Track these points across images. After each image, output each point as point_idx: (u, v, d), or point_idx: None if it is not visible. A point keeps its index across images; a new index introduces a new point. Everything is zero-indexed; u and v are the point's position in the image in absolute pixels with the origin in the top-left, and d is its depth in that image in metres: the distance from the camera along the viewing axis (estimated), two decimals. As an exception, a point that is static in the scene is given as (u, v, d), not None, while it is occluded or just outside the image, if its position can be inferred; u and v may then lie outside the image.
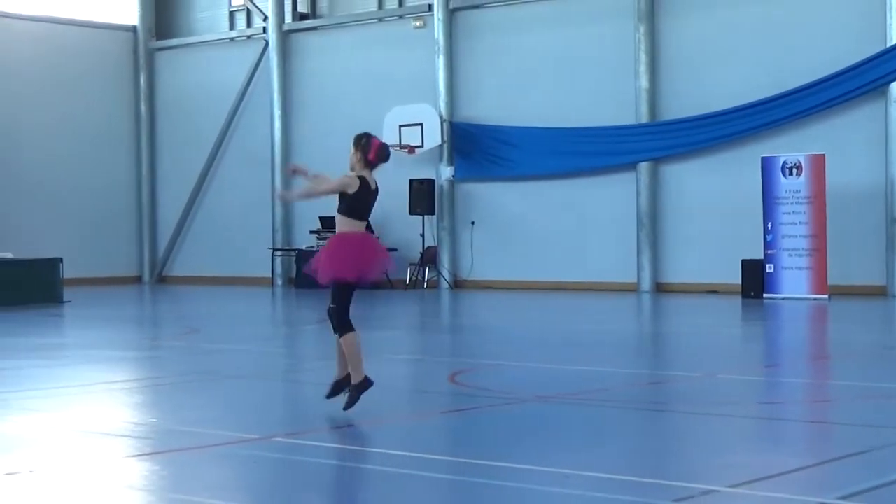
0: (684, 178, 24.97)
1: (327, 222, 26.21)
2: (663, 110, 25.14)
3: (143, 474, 7.59)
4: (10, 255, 24.19)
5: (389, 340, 16.54)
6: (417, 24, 28.56)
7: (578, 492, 6.79)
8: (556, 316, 20.60)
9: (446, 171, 27.59)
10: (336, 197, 9.67)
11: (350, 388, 9.47)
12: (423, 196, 27.35)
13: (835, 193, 22.20)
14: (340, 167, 9.91)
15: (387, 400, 10.08)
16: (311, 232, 28.53)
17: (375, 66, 28.92)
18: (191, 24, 32.93)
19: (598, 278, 25.80)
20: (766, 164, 22.55)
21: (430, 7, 28.03)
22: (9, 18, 30.72)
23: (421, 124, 27.14)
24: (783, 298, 21.94)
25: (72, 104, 31.69)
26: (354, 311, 9.56)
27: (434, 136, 27.18)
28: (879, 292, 22.54)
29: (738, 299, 22.35)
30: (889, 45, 22.36)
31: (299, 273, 28.10)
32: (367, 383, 9.46)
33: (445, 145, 27.51)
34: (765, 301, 21.91)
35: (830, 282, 22.03)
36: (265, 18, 30.74)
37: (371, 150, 9.63)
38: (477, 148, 27.27)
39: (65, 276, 23.98)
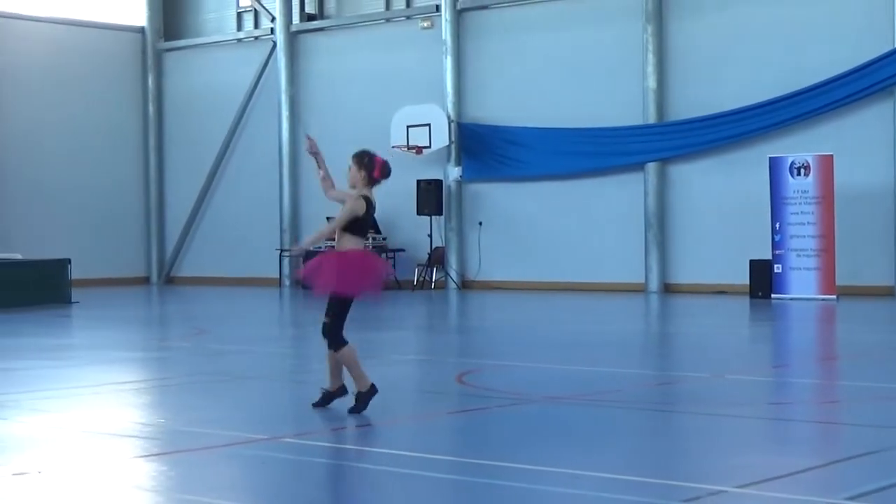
0: (692, 178, 24.95)
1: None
2: (671, 111, 25.12)
3: (151, 475, 7.60)
4: (18, 256, 24.23)
5: (397, 341, 16.55)
6: (425, 24, 28.56)
7: (587, 492, 6.78)
8: (564, 316, 20.59)
9: (454, 172, 27.58)
10: (334, 207, 9.69)
11: (357, 395, 9.52)
12: (430, 196, 27.35)
13: (843, 194, 22.17)
14: (347, 167, 9.87)
15: (394, 400, 10.08)
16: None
17: (383, 67, 28.92)
18: (198, 25, 32.96)
19: (606, 279, 25.79)
20: (774, 165, 22.52)
21: (438, 8, 28.03)
22: (17, 20, 30.76)
23: (428, 125, 27.13)
24: (791, 299, 21.91)
25: (80, 105, 31.73)
26: (360, 313, 9.58)
27: (442, 137, 27.17)
28: (888, 293, 22.50)
29: (746, 300, 22.32)
30: (897, 45, 22.37)
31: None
32: (373, 390, 9.49)
33: (453, 146, 27.51)
34: (773, 301, 21.88)
35: (838, 282, 21.99)
36: (273, 19, 30.75)
37: (376, 169, 9.63)
38: (484, 148, 27.27)
39: (73, 277, 24.01)
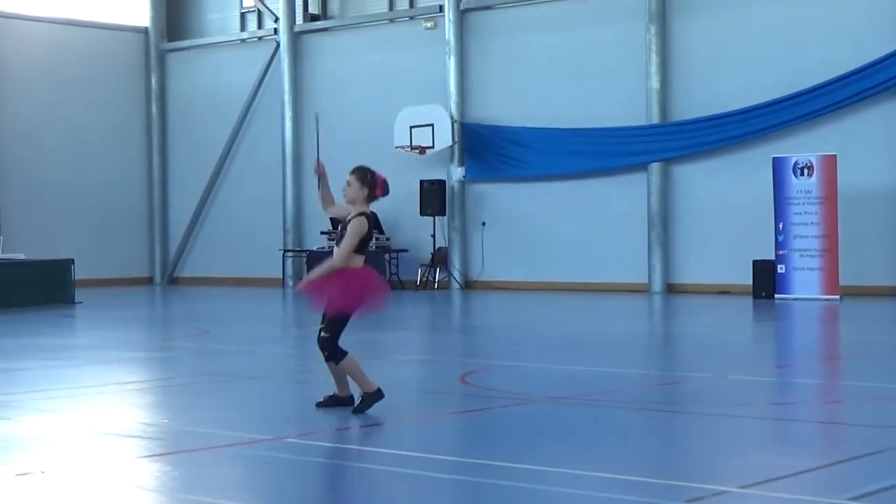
0: (695, 178, 24.94)
1: (337, 223, 26.20)
2: (674, 111, 25.11)
3: (155, 475, 7.60)
4: (21, 256, 24.24)
5: (400, 341, 16.55)
6: (428, 24, 28.56)
7: (589, 492, 6.78)
8: (567, 316, 20.59)
9: (457, 172, 27.59)
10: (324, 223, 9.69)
11: (363, 395, 9.53)
12: (433, 197, 27.35)
13: (846, 194, 22.16)
14: (350, 168, 9.84)
15: (397, 401, 10.07)
16: (322, 233, 28.55)
17: (386, 67, 28.93)
18: (202, 26, 32.97)
19: (609, 279, 25.78)
20: (778, 165, 22.52)
21: (441, 8, 28.03)
22: (20, 20, 30.78)
23: (432, 125, 27.14)
24: (794, 299, 21.91)
25: (83, 105, 31.75)
26: (366, 316, 9.63)
27: (445, 137, 27.17)
28: (891, 293, 22.48)
29: (749, 300, 22.32)
30: (901, 45, 22.36)
31: (311, 268, 28.11)
32: (380, 394, 9.50)
33: (456, 146, 27.51)
34: (776, 302, 21.88)
35: (842, 282, 21.98)
36: (276, 20, 30.77)
37: (378, 188, 9.61)
38: (488, 149, 27.27)
39: (76, 277, 24.02)
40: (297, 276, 29.83)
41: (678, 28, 25.06)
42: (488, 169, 27.31)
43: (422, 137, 27.17)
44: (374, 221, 9.70)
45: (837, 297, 21.77)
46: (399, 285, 27.19)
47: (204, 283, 31.85)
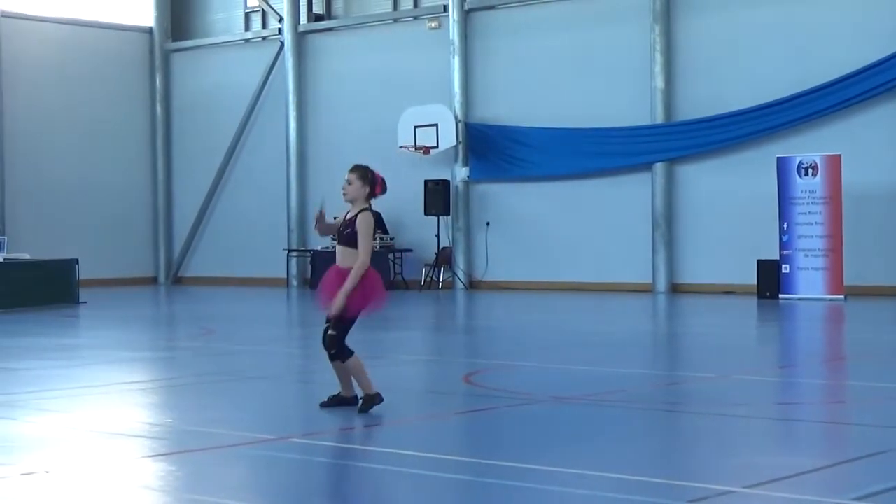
0: (699, 178, 24.93)
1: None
2: (678, 111, 25.10)
3: (159, 475, 7.61)
4: (26, 256, 24.27)
5: (404, 341, 16.56)
6: (432, 24, 28.56)
7: (594, 492, 6.78)
8: (571, 316, 20.59)
9: (461, 172, 27.59)
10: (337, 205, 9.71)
11: (365, 397, 9.54)
12: (438, 197, 27.35)
13: (851, 193, 22.15)
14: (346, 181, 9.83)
15: (402, 401, 10.08)
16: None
17: (390, 67, 28.93)
18: (206, 26, 32.99)
19: (614, 279, 25.78)
20: (782, 165, 22.51)
21: (446, 8, 28.04)
22: (25, 20, 30.81)
23: (436, 125, 27.14)
24: (799, 299, 21.89)
25: (88, 105, 31.77)
26: (369, 315, 9.64)
27: (449, 137, 27.18)
28: (896, 293, 22.50)
29: (753, 300, 22.31)
30: (905, 44, 22.35)
31: (314, 274, 28.15)
32: (378, 398, 9.51)
33: (460, 146, 27.51)
34: (780, 301, 21.87)
35: (846, 282, 21.97)
36: (280, 20, 30.77)
37: (378, 186, 9.64)
38: (492, 149, 27.27)
39: (81, 277, 24.04)
40: (302, 277, 29.90)
41: (682, 28, 25.05)
42: (492, 169, 27.31)
43: (426, 137, 27.17)
44: (377, 221, 9.72)
45: (842, 297, 21.75)
46: (403, 285, 27.20)
47: (208, 283, 31.87)
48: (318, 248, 28.56)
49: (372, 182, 9.63)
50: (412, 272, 27.92)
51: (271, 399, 11.09)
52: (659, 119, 25.12)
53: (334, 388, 9.89)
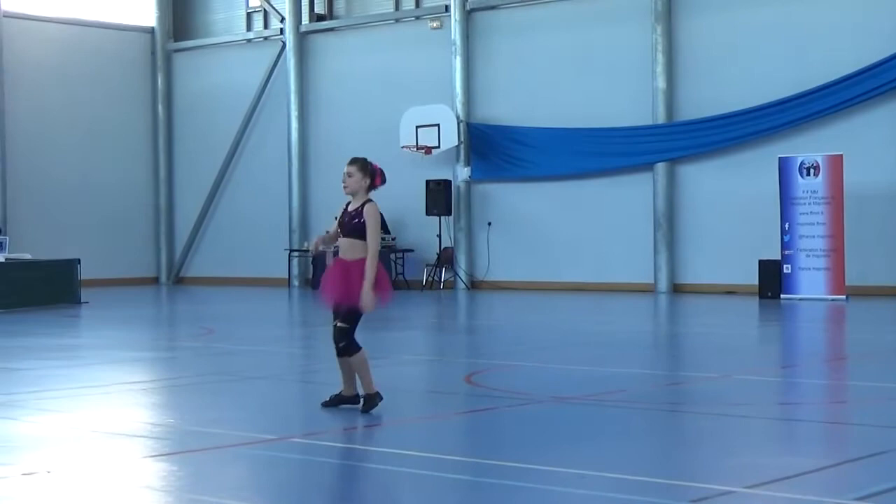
0: (701, 178, 24.93)
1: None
2: (680, 111, 25.10)
3: (161, 475, 7.61)
4: (28, 256, 24.28)
5: (406, 341, 16.56)
6: (434, 24, 28.57)
7: (595, 492, 6.78)
8: (573, 316, 20.58)
9: (463, 172, 27.60)
10: (337, 205, 9.71)
11: (366, 396, 9.55)
12: (439, 197, 27.35)
13: (852, 194, 22.14)
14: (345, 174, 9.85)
15: (403, 401, 10.08)
16: (328, 233, 28.50)
17: (392, 67, 28.95)
18: (208, 26, 33.00)
19: (615, 279, 25.78)
20: (784, 165, 22.50)
21: (447, 8, 28.04)
22: (27, 20, 30.83)
23: (437, 125, 27.15)
24: (800, 299, 21.89)
25: (89, 105, 31.80)
26: (369, 314, 9.62)
27: (451, 137, 27.18)
28: (897, 293, 22.49)
29: (755, 300, 22.31)
30: (907, 44, 22.34)
31: (315, 274, 28.15)
32: (379, 397, 9.51)
33: (462, 146, 27.52)
34: (782, 302, 21.86)
35: (848, 282, 21.96)
36: (282, 20, 30.78)
37: (377, 177, 9.68)
38: (493, 149, 27.27)
39: (82, 277, 24.06)
40: (303, 277, 29.89)
41: (684, 28, 25.05)
42: (494, 169, 27.31)
43: (428, 137, 27.18)
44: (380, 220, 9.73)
45: (843, 297, 21.74)
46: (405, 285, 27.20)
47: (210, 283, 31.88)
48: (320, 248, 28.50)
49: (372, 173, 9.68)
50: (414, 272, 27.93)
51: (272, 399, 11.09)
52: (660, 119, 25.12)
53: (335, 387, 9.89)
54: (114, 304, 24.49)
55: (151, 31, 33.15)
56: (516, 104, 27.12)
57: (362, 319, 9.63)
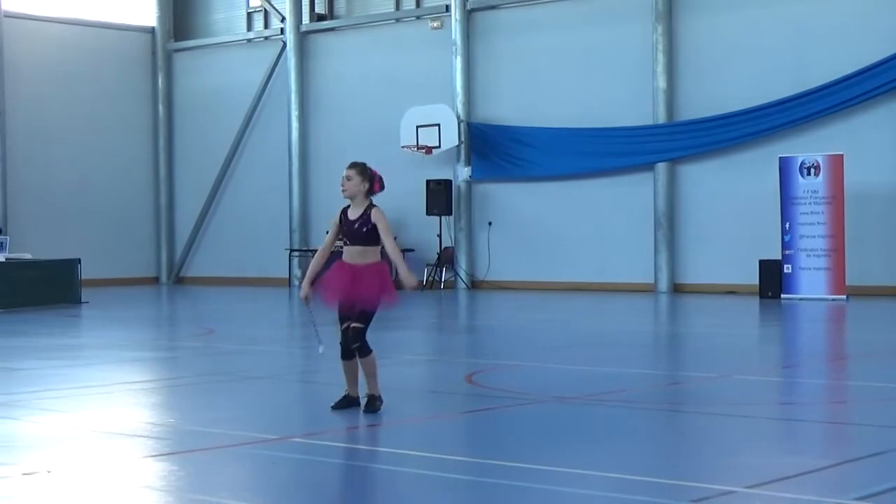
0: (702, 178, 24.93)
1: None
2: (681, 111, 25.10)
3: (161, 474, 7.61)
4: (28, 256, 24.29)
5: (406, 341, 16.55)
6: (435, 24, 28.57)
7: (596, 492, 6.78)
8: (573, 316, 20.58)
9: (463, 172, 27.60)
10: (338, 205, 9.75)
11: (370, 396, 9.55)
12: (440, 197, 27.36)
13: (853, 193, 22.14)
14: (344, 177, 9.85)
15: (403, 400, 10.08)
16: (328, 233, 28.51)
17: (393, 67, 28.95)
18: (208, 26, 33.00)
19: (616, 279, 25.78)
20: (784, 165, 22.50)
21: (448, 8, 28.04)
22: (28, 20, 30.83)
23: (438, 125, 27.15)
24: (801, 299, 21.88)
25: (90, 105, 31.80)
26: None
27: (451, 137, 27.18)
28: (898, 293, 22.48)
29: (755, 300, 22.30)
30: (907, 44, 22.33)
31: (318, 274, 28.11)
32: (380, 401, 9.54)
33: (462, 146, 27.52)
34: (782, 302, 21.86)
35: (849, 282, 21.96)
36: (283, 19, 30.79)
37: (377, 183, 9.70)
38: (494, 148, 27.27)
39: (83, 277, 24.06)
40: (304, 277, 29.85)
41: (685, 28, 25.05)
42: (494, 169, 27.31)
43: (428, 137, 27.17)
44: None
45: (844, 297, 21.74)
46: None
47: (210, 283, 31.88)
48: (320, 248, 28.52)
49: (371, 178, 9.68)
50: (414, 272, 27.80)
51: (272, 399, 11.09)
52: (661, 119, 25.12)
53: (335, 387, 9.89)
54: (114, 303, 24.49)
55: (152, 30, 33.16)
56: (517, 104, 27.12)
57: (346, 322, 9.63)
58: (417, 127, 27.28)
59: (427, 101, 27.56)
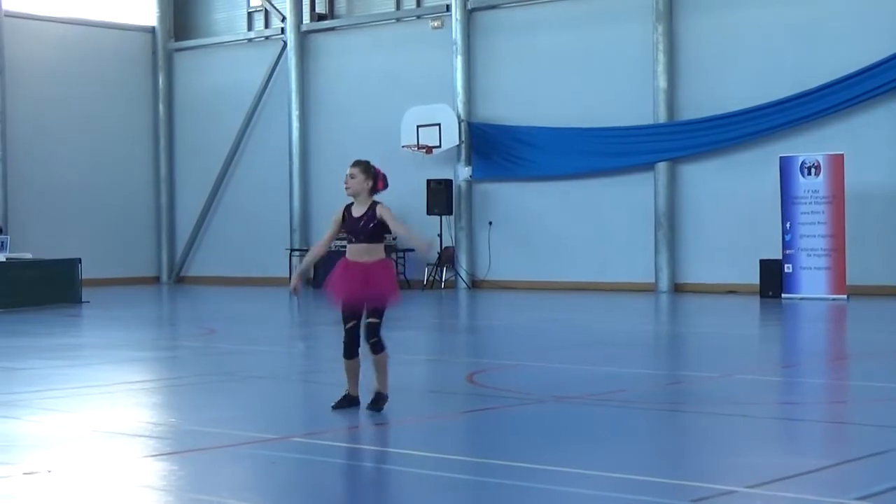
0: (702, 178, 24.92)
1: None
2: (681, 110, 25.09)
3: (161, 474, 7.61)
4: (29, 256, 24.28)
5: (407, 341, 16.53)
6: (435, 24, 28.57)
7: (597, 492, 6.78)
8: (574, 316, 20.58)
9: (464, 172, 27.59)
10: (337, 203, 9.80)
11: (379, 394, 9.56)
12: (440, 196, 27.36)
13: (854, 193, 22.13)
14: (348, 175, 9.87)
15: (404, 400, 10.08)
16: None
17: (393, 67, 28.94)
18: (209, 25, 33.00)
19: (616, 278, 25.77)
20: (785, 164, 22.49)
21: (448, 7, 28.04)
22: (28, 20, 30.83)
23: (438, 124, 27.14)
24: (801, 299, 21.88)
25: (91, 105, 31.80)
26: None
27: (452, 137, 27.18)
28: (899, 292, 22.48)
29: (756, 299, 22.30)
30: (908, 44, 22.33)
31: (317, 274, 28.13)
32: (386, 399, 9.55)
33: (463, 145, 27.51)
34: (783, 301, 21.85)
35: (849, 282, 21.95)
36: (283, 19, 30.78)
37: (380, 180, 9.73)
38: (494, 148, 27.27)
39: (83, 277, 24.06)
40: (304, 277, 29.86)
41: (685, 27, 25.04)
42: (495, 168, 27.31)
43: (429, 137, 27.17)
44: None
45: (844, 296, 21.73)
46: (406, 285, 27.18)
47: (210, 283, 31.88)
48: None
49: (374, 176, 9.71)
50: (415, 272, 27.92)
51: (273, 399, 11.09)
52: (661, 118, 25.11)
53: (336, 387, 9.89)
54: (115, 303, 24.49)
55: (152, 30, 33.15)
56: (517, 103, 27.11)
57: (351, 321, 9.65)
58: (418, 126, 27.28)
59: (427, 101, 27.55)
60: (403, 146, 27.21)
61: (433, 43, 28.41)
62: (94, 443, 8.63)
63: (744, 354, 14.41)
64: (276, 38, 31.29)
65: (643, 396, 10.67)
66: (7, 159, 30.01)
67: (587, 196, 26.27)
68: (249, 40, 32.23)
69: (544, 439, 8.60)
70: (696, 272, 24.97)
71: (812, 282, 22.11)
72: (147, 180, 33.16)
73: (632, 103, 25.45)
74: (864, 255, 22.50)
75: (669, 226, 25.04)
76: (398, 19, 29.38)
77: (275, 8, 31.04)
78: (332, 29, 30.53)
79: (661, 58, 25.00)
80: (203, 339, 16.86)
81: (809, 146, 23.07)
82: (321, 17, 30.82)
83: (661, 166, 25.11)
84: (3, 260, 23.10)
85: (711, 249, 24.74)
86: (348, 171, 9.71)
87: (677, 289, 24.99)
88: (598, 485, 6.97)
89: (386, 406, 9.56)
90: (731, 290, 24.11)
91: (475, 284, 27.61)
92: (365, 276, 9.52)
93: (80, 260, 23.93)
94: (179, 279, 33.04)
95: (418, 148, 27.16)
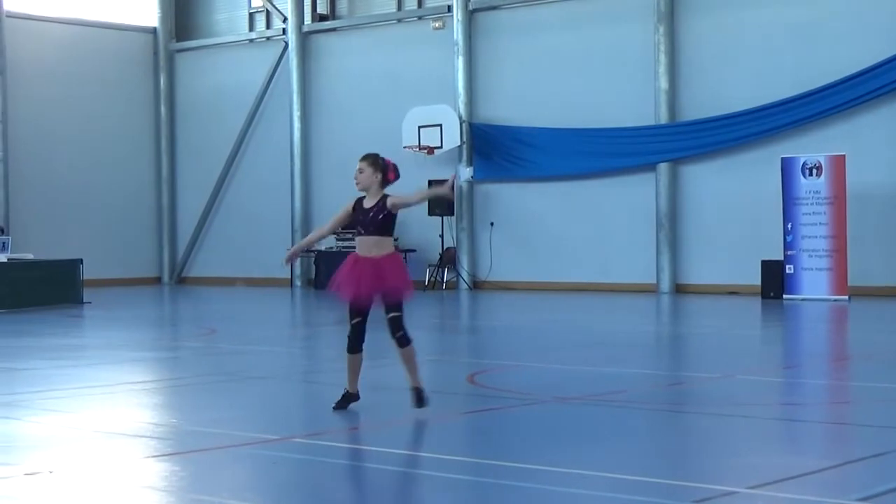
0: (704, 178, 24.92)
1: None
2: (682, 111, 25.09)
3: (163, 475, 7.61)
4: (30, 256, 24.29)
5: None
6: (436, 25, 28.57)
7: (598, 493, 6.78)
8: (575, 317, 20.58)
9: (465, 172, 27.58)
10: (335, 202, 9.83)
11: (417, 392, 9.52)
12: (442, 197, 27.29)
13: (855, 194, 22.12)
14: (357, 170, 9.89)
15: (405, 401, 10.07)
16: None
17: (394, 68, 28.94)
18: (210, 26, 33.01)
19: (617, 279, 25.77)
20: (786, 165, 22.49)
21: (450, 8, 28.04)
22: (30, 20, 30.83)
23: (440, 125, 27.14)
24: (803, 299, 21.87)
25: (92, 105, 31.80)
26: (372, 313, 9.67)
27: (453, 137, 27.17)
28: (900, 293, 22.47)
29: (757, 300, 22.29)
30: (909, 45, 22.32)
31: (318, 274, 28.16)
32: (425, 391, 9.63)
33: (464, 146, 27.51)
34: (784, 302, 21.85)
35: (850, 283, 21.94)
36: (284, 20, 30.79)
37: (390, 171, 9.77)
38: (496, 149, 27.27)
39: (85, 277, 24.06)
40: (306, 277, 29.90)
41: (686, 28, 25.04)
42: (496, 169, 27.31)
43: (430, 137, 27.17)
44: None
45: (846, 297, 21.72)
46: (407, 285, 27.16)
47: (212, 283, 31.88)
48: (323, 248, 28.52)
49: (384, 168, 9.74)
50: (416, 272, 27.85)
51: (274, 399, 11.09)
52: (663, 119, 25.11)
53: (336, 388, 9.89)
54: (116, 304, 24.49)
55: (154, 31, 33.16)
56: (519, 104, 27.11)
57: (368, 319, 9.65)
58: (419, 127, 27.28)
59: (429, 102, 27.55)
60: (405, 147, 27.19)
61: (434, 43, 28.41)
62: (95, 443, 8.63)
63: (745, 355, 14.41)
64: (277, 39, 31.29)
65: (644, 397, 10.67)
66: (8, 160, 30.01)
67: (589, 197, 26.26)
68: (251, 41, 32.24)
69: (545, 440, 8.60)
70: (698, 273, 24.96)
71: (813, 283, 22.10)
72: (148, 181, 33.17)
73: (633, 104, 25.45)
74: (866, 256, 22.49)
75: (671, 226, 25.04)
76: (399, 20, 29.38)
77: (276, 8, 31.04)
78: (334, 29, 30.54)
79: (663, 58, 25.00)
80: (204, 339, 16.86)
81: (811, 147, 23.07)
82: (322, 18, 30.83)
83: (663, 167, 25.11)
84: (5, 260, 23.11)
85: (713, 250, 24.74)
86: (357, 165, 9.76)
87: (678, 289, 24.98)
88: (599, 485, 6.97)
89: (426, 400, 9.47)
90: (733, 291, 24.10)
91: (476, 285, 27.61)
92: (377, 272, 9.52)
93: (81, 260, 23.94)
94: (181, 280, 33.05)
95: (419, 149, 27.16)
